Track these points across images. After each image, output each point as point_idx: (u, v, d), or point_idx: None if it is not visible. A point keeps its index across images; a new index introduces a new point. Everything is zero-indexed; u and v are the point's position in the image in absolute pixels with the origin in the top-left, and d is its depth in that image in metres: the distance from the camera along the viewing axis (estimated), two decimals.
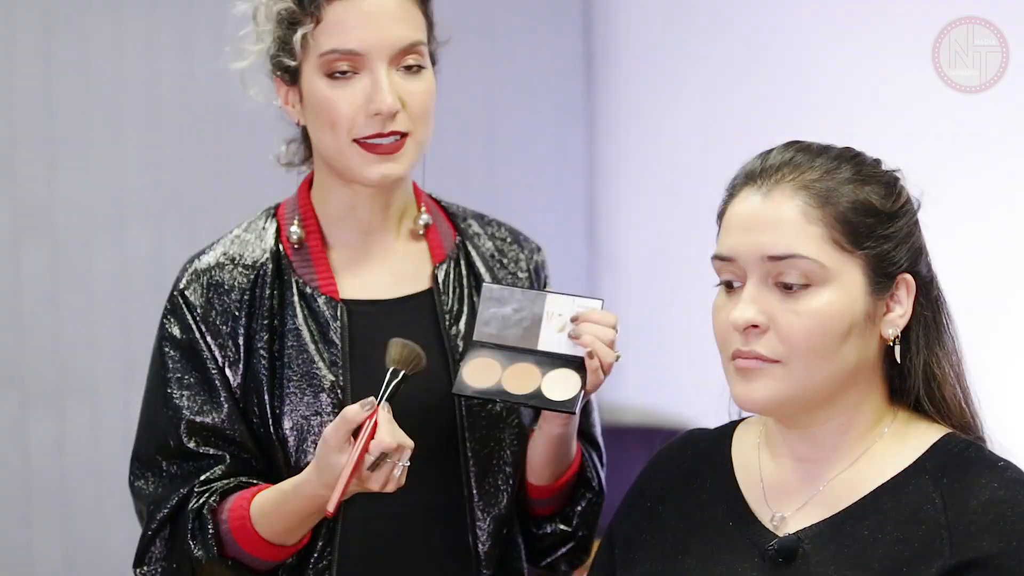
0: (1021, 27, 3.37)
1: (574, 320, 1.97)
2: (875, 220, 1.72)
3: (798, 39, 4.11)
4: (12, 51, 3.70)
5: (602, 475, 2.15)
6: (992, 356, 3.39)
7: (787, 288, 1.70)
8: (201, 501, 1.97)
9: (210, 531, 1.96)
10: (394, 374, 1.87)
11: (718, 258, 1.75)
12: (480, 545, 2.04)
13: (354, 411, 1.84)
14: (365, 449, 1.82)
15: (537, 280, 2.17)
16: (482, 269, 2.12)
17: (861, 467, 1.74)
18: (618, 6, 4.63)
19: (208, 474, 1.99)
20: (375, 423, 1.83)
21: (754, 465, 1.81)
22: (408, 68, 2.00)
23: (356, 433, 1.84)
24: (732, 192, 1.77)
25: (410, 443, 1.85)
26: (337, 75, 1.99)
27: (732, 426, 1.89)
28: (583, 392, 1.95)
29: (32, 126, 3.73)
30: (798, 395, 1.71)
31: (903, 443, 1.74)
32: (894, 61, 3.80)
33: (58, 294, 3.76)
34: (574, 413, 1.97)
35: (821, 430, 1.75)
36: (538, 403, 1.96)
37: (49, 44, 3.74)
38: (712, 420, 1.90)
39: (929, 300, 1.76)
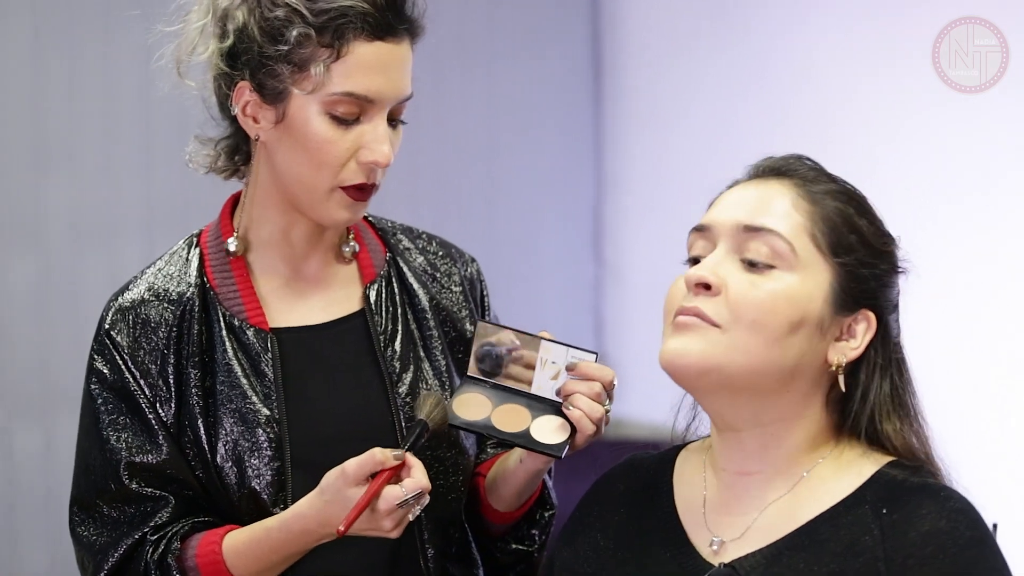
0: (1021, 27, 3.39)
1: (569, 369, 1.93)
2: (859, 241, 1.68)
3: (799, 41, 4.11)
4: (1, 58, 3.68)
5: (552, 487, 2.12)
6: (984, 351, 3.38)
7: (752, 265, 1.66)
8: (162, 549, 1.91)
9: None
10: (424, 428, 1.88)
11: (695, 230, 1.71)
12: (431, 563, 2.00)
13: (384, 454, 1.81)
14: (383, 484, 1.80)
15: (473, 292, 2.12)
16: (415, 285, 2.07)
17: (800, 493, 1.68)
18: (626, 19, 4.63)
19: (156, 519, 1.93)
20: (395, 469, 1.82)
21: (697, 488, 1.75)
22: (393, 122, 1.93)
23: (371, 476, 1.82)
24: (731, 185, 1.74)
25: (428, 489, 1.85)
26: (341, 118, 1.89)
27: (675, 451, 1.83)
28: (572, 440, 1.92)
29: (20, 133, 3.72)
30: (727, 367, 1.65)
31: (844, 471, 1.68)
32: (894, 61, 3.79)
33: (46, 305, 3.74)
34: (560, 458, 1.94)
35: (749, 436, 1.70)
36: (525, 443, 1.94)
37: (38, 50, 3.73)
38: None
39: (887, 356, 1.70)
